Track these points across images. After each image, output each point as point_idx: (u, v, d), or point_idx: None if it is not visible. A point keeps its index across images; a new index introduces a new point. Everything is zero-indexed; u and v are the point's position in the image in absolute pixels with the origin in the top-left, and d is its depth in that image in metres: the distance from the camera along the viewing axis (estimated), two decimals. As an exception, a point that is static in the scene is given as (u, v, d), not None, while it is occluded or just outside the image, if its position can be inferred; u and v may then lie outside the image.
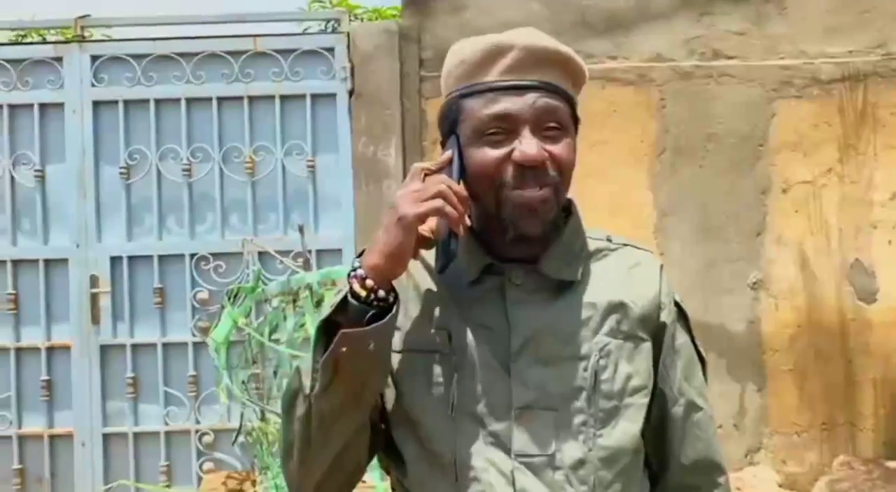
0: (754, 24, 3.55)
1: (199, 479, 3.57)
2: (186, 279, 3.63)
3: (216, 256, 3.62)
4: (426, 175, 1.11)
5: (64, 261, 3.66)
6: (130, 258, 3.66)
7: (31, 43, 4.14)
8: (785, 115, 3.52)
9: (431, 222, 1.11)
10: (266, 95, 3.65)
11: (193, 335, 3.62)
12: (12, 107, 3.68)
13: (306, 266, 3.08)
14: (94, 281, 3.65)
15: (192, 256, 3.64)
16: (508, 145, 1.10)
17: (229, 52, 3.64)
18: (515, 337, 1.13)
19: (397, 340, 1.14)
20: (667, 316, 1.20)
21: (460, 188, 1.10)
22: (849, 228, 3.52)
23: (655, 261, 1.25)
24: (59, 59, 3.66)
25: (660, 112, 3.54)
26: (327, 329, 1.09)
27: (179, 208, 3.67)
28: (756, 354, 3.51)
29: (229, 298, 2.73)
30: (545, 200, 1.11)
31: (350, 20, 3.85)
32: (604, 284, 1.18)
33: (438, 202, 1.06)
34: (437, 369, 1.13)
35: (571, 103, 1.15)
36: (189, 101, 3.66)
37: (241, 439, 2.89)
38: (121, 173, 3.66)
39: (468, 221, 1.16)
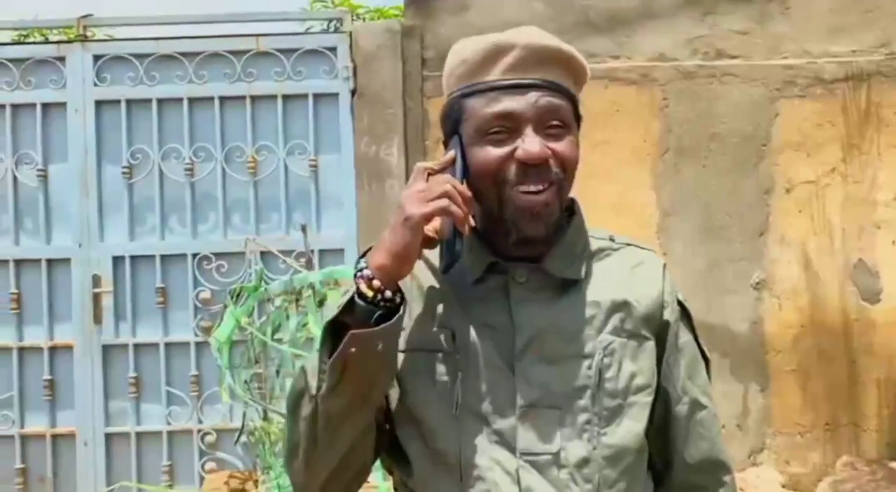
0: (757, 23, 3.55)
1: (202, 479, 3.57)
2: (189, 279, 3.63)
3: (218, 255, 3.62)
4: (429, 175, 1.11)
5: (66, 260, 3.67)
6: (133, 258, 3.66)
7: (34, 43, 4.14)
8: (788, 114, 3.52)
9: (435, 223, 1.10)
10: (268, 95, 3.65)
11: (196, 335, 3.62)
12: (15, 106, 3.68)
13: (309, 266, 3.08)
14: (96, 281, 3.65)
15: (195, 255, 3.64)
16: (511, 144, 1.11)
17: (232, 52, 3.64)
18: (520, 336, 1.13)
19: (401, 340, 1.14)
20: (670, 314, 1.21)
21: (464, 188, 1.10)
22: (852, 228, 3.51)
23: (658, 260, 1.25)
24: (61, 59, 3.66)
25: (663, 112, 3.53)
26: (333, 330, 1.09)
27: (182, 208, 3.67)
28: (759, 354, 3.50)
29: (232, 298, 2.73)
30: (547, 203, 1.11)
31: (352, 20, 3.84)
32: (607, 283, 1.18)
33: (444, 202, 1.06)
34: (441, 369, 1.13)
35: (573, 101, 1.15)
36: (191, 100, 3.66)
37: (243, 438, 2.89)
38: (123, 173, 3.67)
39: (472, 222, 1.16)
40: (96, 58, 3.66)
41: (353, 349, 1.04)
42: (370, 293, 1.06)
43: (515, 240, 1.13)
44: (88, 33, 3.72)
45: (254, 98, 3.65)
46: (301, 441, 1.13)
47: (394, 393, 1.16)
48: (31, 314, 3.67)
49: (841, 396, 3.49)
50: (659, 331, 1.19)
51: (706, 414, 1.22)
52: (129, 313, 3.65)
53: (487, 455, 1.10)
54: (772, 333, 3.50)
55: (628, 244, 1.24)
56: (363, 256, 1.11)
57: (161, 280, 3.64)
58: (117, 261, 3.66)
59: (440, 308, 1.16)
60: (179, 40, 3.69)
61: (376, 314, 1.07)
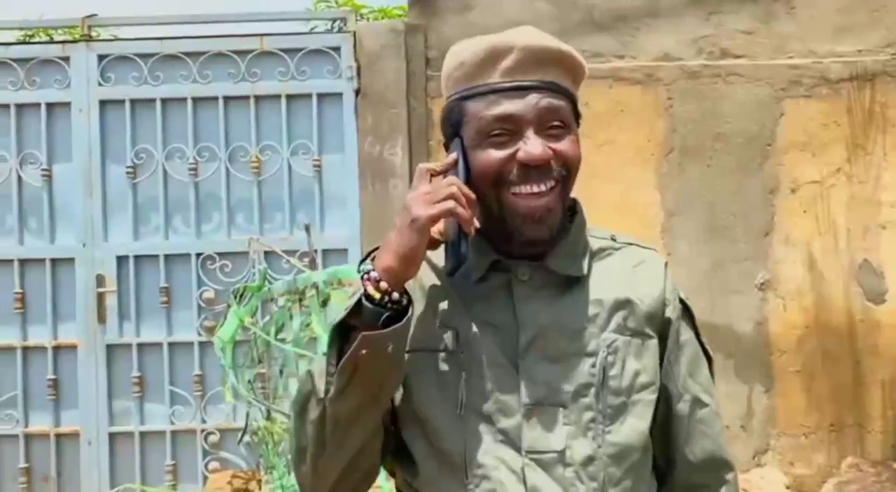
0: (763, 23, 3.54)
1: (205, 478, 3.57)
2: (192, 279, 3.64)
3: (222, 255, 3.63)
4: (432, 176, 1.11)
5: (70, 260, 3.67)
6: (137, 258, 3.66)
7: (39, 42, 4.15)
8: (793, 114, 3.51)
9: (439, 225, 1.11)
10: (272, 95, 3.65)
11: (199, 335, 3.62)
12: (19, 106, 3.69)
13: (312, 265, 3.08)
14: (100, 280, 3.65)
15: (199, 255, 3.64)
16: (513, 146, 1.11)
17: (236, 52, 3.64)
18: (523, 334, 1.13)
19: None
20: (672, 312, 1.21)
21: (468, 190, 1.11)
22: (857, 228, 3.50)
23: (660, 259, 1.25)
24: (66, 59, 3.67)
25: (667, 111, 3.52)
26: (340, 332, 1.09)
27: (186, 208, 3.67)
28: (763, 354, 3.49)
29: (235, 298, 2.73)
30: (550, 208, 1.12)
31: (356, 19, 3.84)
32: (609, 281, 1.18)
33: (450, 204, 1.07)
34: (445, 368, 1.13)
35: (573, 100, 1.16)
36: (195, 100, 3.66)
37: (246, 438, 2.89)
38: (127, 173, 3.67)
39: (477, 224, 1.16)
40: (100, 58, 3.66)
41: (363, 351, 1.04)
42: (378, 295, 1.06)
43: (519, 243, 1.14)
44: (93, 33, 3.73)
45: (258, 98, 3.65)
46: (309, 445, 1.13)
47: (398, 393, 1.16)
48: (35, 314, 3.68)
49: (846, 397, 3.47)
50: (661, 329, 1.20)
51: (708, 412, 1.22)
52: (133, 313, 3.65)
53: (492, 454, 1.11)
54: (776, 334, 3.49)
55: (630, 243, 1.24)
56: (366, 258, 1.11)
57: (165, 280, 3.65)
58: (121, 260, 3.66)
59: (443, 308, 1.16)
60: (183, 40, 3.69)
61: (384, 316, 1.07)
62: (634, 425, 1.14)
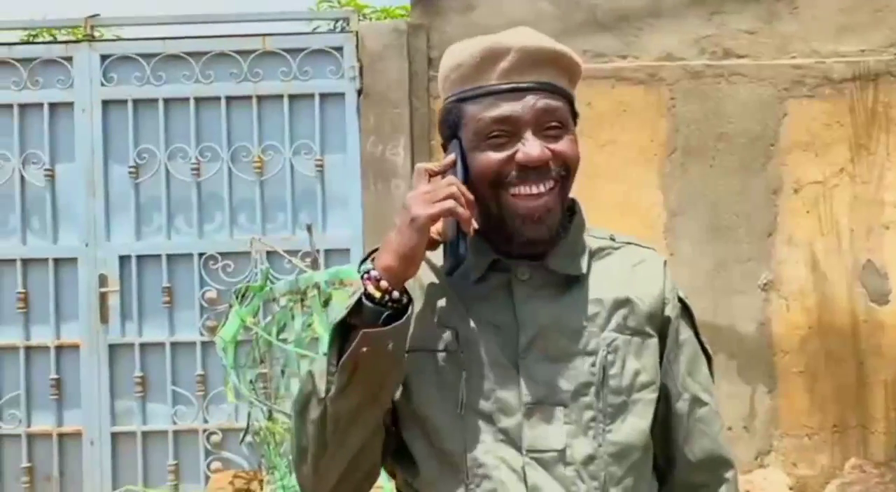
0: (765, 23, 3.53)
1: (207, 478, 3.57)
2: (195, 278, 3.64)
3: (224, 255, 3.63)
4: (430, 177, 1.12)
5: (73, 260, 3.68)
6: (139, 257, 3.66)
7: (41, 42, 4.15)
8: (796, 114, 3.50)
9: (438, 225, 1.12)
10: (275, 95, 3.65)
11: (201, 335, 3.62)
12: (22, 106, 3.69)
13: (314, 265, 3.08)
14: (102, 280, 3.66)
15: (201, 255, 3.64)
16: (511, 148, 1.12)
17: (238, 52, 3.64)
18: (523, 333, 1.13)
19: None
20: (671, 311, 1.21)
21: (467, 190, 1.11)
22: (860, 228, 3.49)
23: (659, 258, 1.26)
24: (68, 59, 3.67)
25: (670, 111, 3.52)
26: (341, 332, 1.09)
27: (188, 208, 3.67)
28: (766, 355, 3.48)
29: (237, 298, 2.72)
30: (549, 208, 1.13)
31: (358, 19, 3.84)
32: (609, 281, 1.19)
33: (450, 203, 1.07)
34: (446, 368, 1.14)
35: (570, 100, 1.17)
36: (198, 100, 3.66)
37: (248, 438, 2.89)
38: (130, 173, 3.67)
39: (475, 224, 1.17)
40: (103, 58, 3.67)
41: (364, 349, 1.05)
42: (378, 294, 1.07)
43: (518, 244, 1.14)
44: (95, 33, 3.73)
45: (260, 98, 3.65)
46: (310, 445, 1.13)
47: (399, 393, 1.16)
48: (37, 313, 3.68)
49: (849, 397, 3.47)
50: (661, 328, 1.20)
51: (707, 411, 1.22)
52: (136, 313, 3.66)
53: (493, 454, 1.11)
54: (779, 335, 3.48)
55: (629, 243, 1.25)
56: (367, 258, 1.11)
57: (167, 280, 3.65)
58: (124, 260, 3.66)
59: (443, 308, 1.16)
60: (186, 40, 3.70)
61: (384, 315, 1.07)
62: (635, 424, 1.14)
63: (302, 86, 3.65)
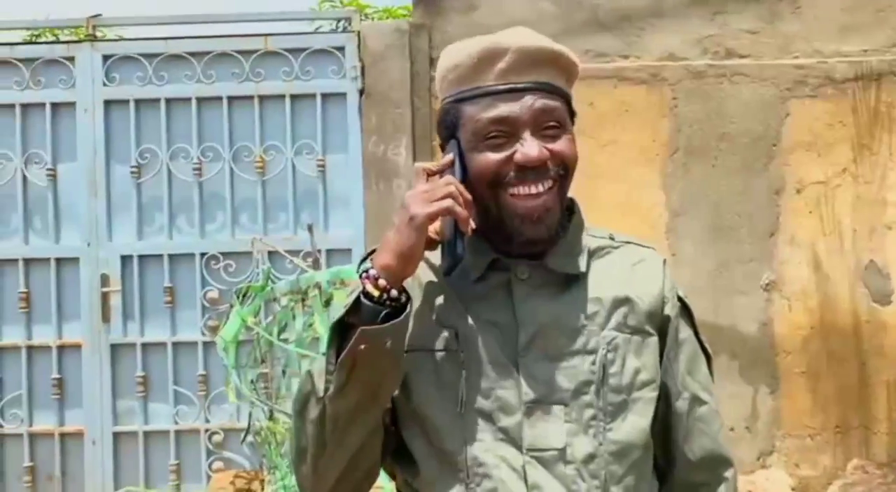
0: (768, 22, 3.52)
1: (209, 478, 3.57)
2: (196, 278, 3.64)
3: (226, 255, 3.63)
4: (428, 176, 1.13)
5: (75, 260, 3.68)
6: (141, 257, 3.67)
7: (43, 42, 4.16)
8: (799, 114, 3.49)
9: (436, 225, 1.12)
10: (276, 95, 3.65)
11: (203, 334, 3.62)
12: (24, 106, 3.70)
13: (315, 265, 3.08)
14: (104, 280, 3.66)
15: (203, 255, 3.64)
16: (509, 148, 1.12)
17: (240, 52, 3.64)
18: (523, 332, 1.13)
19: None
20: (670, 310, 1.22)
21: (465, 190, 1.12)
22: (863, 228, 3.48)
23: (658, 257, 1.26)
24: (70, 59, 3.68)
25: (672, 111, 3.51)
26: (340, 330, 1.09)
27: (190, 208, 3.67)
28: (769, 355, 3.48)
29: (238, 298, 2.72)
30: (548, 208, 1.13)
31: (360, 19, 3.84)
32: (608, 280, 1.19)
33: (448, 202, 1.07)
34: (445, 368, 1.14)
35: (567, 99, 1.17)
36: (200, 100, 3.66)
37: (249, 438, 2.89)
38: (132, 172, 3.67)
39: (473, 224, 1.16)
40: (105, 58, 3.67)
41: (362, 346, 1.05)
42: (376, 293, 1.07)
43: (518, 243, 1.15)
44: (97, 33, 3.73)
45: (262, 98, 3.66)
46: (309, 445, 1.13)
47: (398, 394, 1.16)
48: (39, 313, 3.69)
49: (851, 398, 3.46)
50: (661, 327, 1.20)
51: (706, 410, 1.22)
52: (137, 313, 3.66)
53: (493, 453, 1.11)
54: (781, 335, 3.47)
55: (628, 242, 1.25)
56: (366, 258, 1.12)
57: (169, 279, 3.65)
58: (125, 260, 3.67)
59: (442, 307, 1.17)
60: (188, 40, 3.70)
61: (382, 314, 1.07)
62: (635, 423, 1.14)
63: (304, 86, 3.64)
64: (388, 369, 1.10)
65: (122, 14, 3.81)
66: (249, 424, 2.77)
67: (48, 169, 3.68)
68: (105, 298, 3.66)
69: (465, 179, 1.14)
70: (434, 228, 1.11)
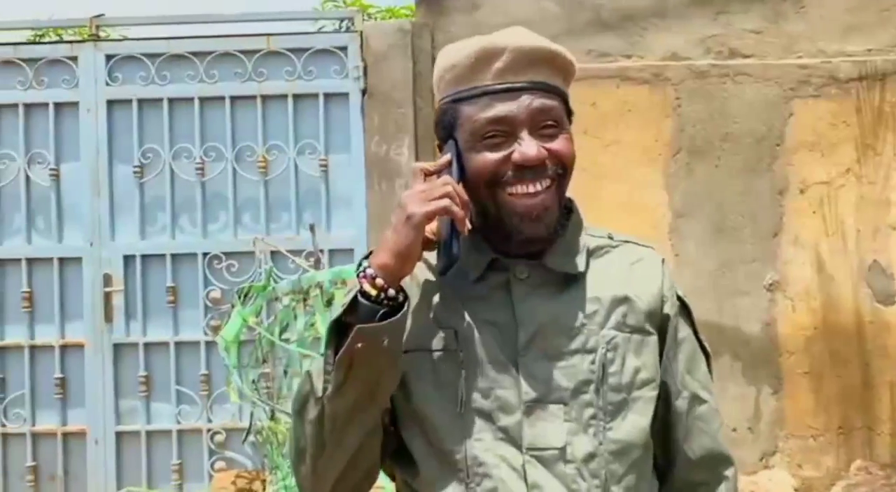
0: (771, 22, 3.52)
1: (211, 478, 3.57)
2: (199, 278, 3.64)
3: (229, 255, 3.63)
4: (426, 176, 1.13)
5: (78, 259, 3.68)
6: (143, 257, 3.67)
7: (46, 42, 4.16)
8: (802, 114, 3.48)
9: (433, 225, 1.12)
10: (279, 95, 3.65)
11: (206, 334, 3.62)
12: (27, 106, 3.70)
13: (317, 265, 3.08)
14: (107, 280, 3.66)
15: (205, 254, 3.65)
16: (507, 148, 1.12)
17: (242, 52, 3.65)
18: (523, 331, 1.13)
19: (403, 340, 1.14)
20: (670, 309, 1.22)
21: (462, 190, 1.12)
22: (867, 229, 3.47)
23: (657, 256, 1.26)
24: (73, 59, 3.68)
25: (675, 111, 3.51)
26: (338, 330, 1.10)
27: (192, 207, 3.68)
28: (772, 356, 3.47)
29: (240, 297, 2.73)
30: (546, 207, 1.13)
31: (363, 19, 3.84)
32: (607, 279, 1.19)
33: (446, 202, 1.08)
34: (444, 367, 1.14)
35: (564, 99, 1.17)
36: (202, 100, 3.66)
37: (251, 438, 2.89)
38: (134, 172, 3.68)
39: (469, 224, 1.17)
40: (108, 57, 3.67)
41: (359, 345, 1.05)
42: (374, 292, 1.07)
43: (517, 242, 1.15)
44: (100, 33, 3.74)
45: (264, 97, 3.66)
46: (308, 446, 1.13)
47: (398, 394, 1.16)
48: (42, 313, 3.69)
49: (855, 399, 3.45)
50: (660, 326, 1.20)
51: (706, 409, 1.23)
52: (140, 312, 3.66)
53: (493, 452, 1.11)
54: (785, 335, 3.46)
55: (627, 241, 1.25)
56: (365, 257, 1.12)
57: (171, 279, 3.65)
58: (128, 260, 3.67)
59: (441, 308, 1.17)
60: (190, 40, 3.70)
61: (380, 313, 1.07)
62: (636, 422, 1.14)
63: (306, 86, 3.65)
64: (385, 367, 1.10)
65: (125, 14, 3.82)
66: (251, 424, 2.77)
67: (51, 169, 3.69)
68: (108, 297, 3.66)
69: (463, 179, 1.14)
70: (431, 228, 1.12)
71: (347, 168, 3.65)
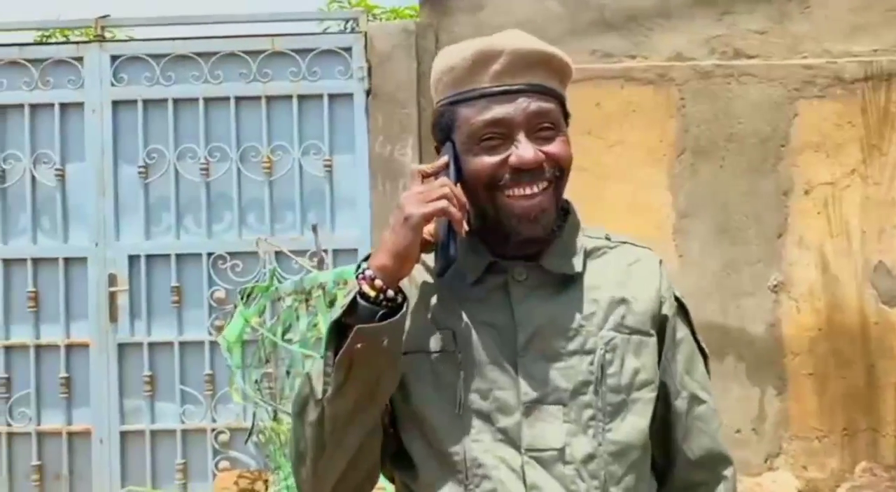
0: (776, 22, 3.51)
1: (216, 477, 3.58)
2: (203, 278, 3.65)
3: (233, 255, 3.64)
4: (423, 178, 1.14)
5: (83, 259, 3.70)
6: (148, 257, 3.68)
7: (52, 43, 4.18)
8: (807, 115, 3.47)
9: (430, 226, 1.13)
10: (284, 95, 3.66)
11: (210, 334, 3.63)
12: (33, 106, 3.72)
13: (320, 266, 3.08)
14: (112, 279, 3.68)
15: (210, 255, 3.66)
16: (504, 151, 1.13)
17: (247, 52, 3.65)
18: (521, 332, 1.14)
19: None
20: (668, 309, 1.22)
21: (460, 192, 1.13)
22: (872, 229, 3.46)
23: (654, 257, 1.26)
24: (79, 59, 3.70)
25: (679, 112, 3.50)
26: (337, 331, 1.10)
27: (197, 208, 3.68)
28: (776, 357, 3.46)
29: (242, 298, 2.73)
30: (543, 208, 1.14)
31: (368, 20, 3.84)
32: (605, 280, 1.19)
33: (443, 203, 1.08)
34: (443, 369, 1.14)
35: (561, 101, 1.18)
36: (207, 100, 3.67)
37: (253, 438, 2.89)
38: (139, 172, 3.69)
39: (467, 226, 1.18)
40: (113, 58, 3.69)
41: (359, 345, 1.05)
42: (372, 293, 1.08)
43: (515, 242, 1.15)
44: (106, 34, 3.75)
45: (269, 98, 3.66)
46: (308, 448, 1.14)
47: (397, 396, 1.16)
48: (47, 312, 3.71)
49: (859, 400, 3.44)
50: (659, 326, 1.20)
51: (705, 409, 1.23)
52: (145, 312, 3.67)
53: (492, 453, 1.11)
54: (789, 336, 3.45)
55: (624, 242, 1.25)
56: (365, 259, 1.12)
57: (176, 279, 3.66)
58: (133, 260, 3.68)
59: (439, 309, 1.17)
60: (195, 41, 3.71)
61: (379, 314, 1.08)
62: (635, 423, 1.14)
63: (311, 86, 3.65)
64: (385, 368, 1.10)
65: (131, 15, 3.83)
66: (253, 424, 2.78)
67: (56, 169, 3.70)
68: (112, 297, 3.67)
69: (460, 181, 1.14)
70: (428, 229, 1.12)
71: (352, 168, 3.65)
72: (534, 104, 1.13)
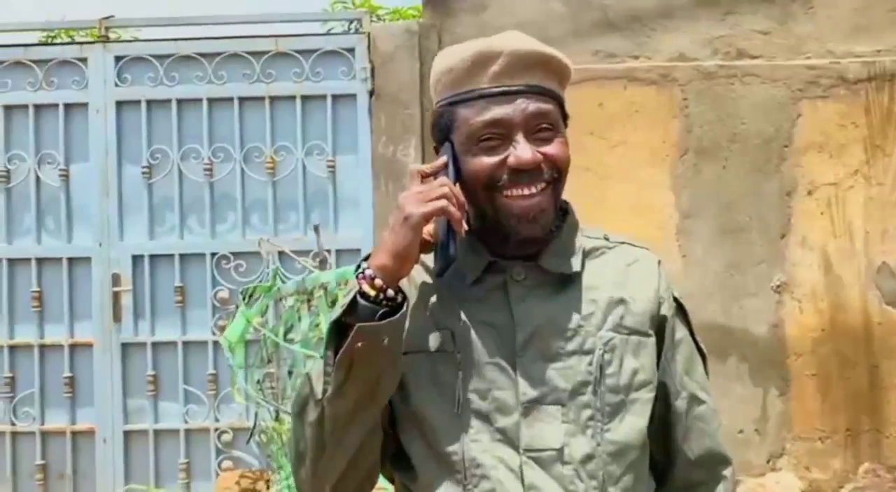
0: (780, 23, 3.50)
1: (219, 476, 3.58)
2: (207, 278, 3.66)
3: (237, 255, 3.64)
4: (423, 178, 1.14)
5: (87, 259, 3.71)
6: (152, 257, 3.69)
7: (56, 43, 4.19)
8: (810, 115, 3.47)
9: (429, 226, 1.13)
10: (287, 96, 3.67)
11: (213, 334, 3.64)
12: (37, 107, 3.73)
13: (323, 266, 3.08)
14: (116, 279, 3.69)
15: (213, 255, 3.66)
16: (503, 151, 1.13)
17: (251, 53, 3.66)
18: (520, 332, 1.14)
19: None
20: (667, 310, 1.22)
21: (459, 192, 1.13)
22: (875, 230, 3.45)
23: (653, 257, 1.26)
24: (83, 60, 3.71)
25: (682, 112, 3.50)
26: (338, 332, 1.10)
27: (201, 208, 3.69)
28: (779, 358, 3.45)
29: (244, 298, 2.74)
30: (542, 208, 1.14)
31: (371, 21, 3.85)
32: (603, 280, 1.20)
33: (443, 203, 1.09)
34: (442, 369, 1.14)
35: (560, 102, 1.18)
36: (211, 101, 3.68)
37: (256, 438, 2.89)
38: (143, 173, 3.70)
39: (466, 226, 1.18)
40: (117, 59, 3.70)
41: (359, 344, 1.06)
42: (372, 293, 1.08)
43: (513, 242, 1.16)
44: (110, 34, 3.76)
45: (273, 99, 3.67)
46: (308, 448, 1.14)
47: (395, 396, 1.17)
48: (52, 312, 3.72)
49: (862, 401, 3.43)
50: (658, 327, 1.21)
51: (705, 409, 1.24)
52: (148, 312, 3.68)
53: (491, 453, 1.11)
54: (792, 337, 3.45)
55: (622, 243, 1.25)
56: (365, 259, 1.13)
57: (180, 279, 3.67)
58: (137, 260, 3.69)
59: (438, 309, 1.17)
60: (199, 41, 3.72)
61: (379, 313, 1.08)
62: (633, 423, 1.15)
63: (314, 87, 3.66)
64: (385, 367, 1.10)
65: (135, 15, 3.84)
66: (256, 424, 2.78)
67: (61, 169, 3.72)
68: (116, 297, 3.68)
69: (459, 181, 1.15)
70: (428, 229, 1.12)
71: (355, 169, 3.66)
72: (532, 105, 1.13)
